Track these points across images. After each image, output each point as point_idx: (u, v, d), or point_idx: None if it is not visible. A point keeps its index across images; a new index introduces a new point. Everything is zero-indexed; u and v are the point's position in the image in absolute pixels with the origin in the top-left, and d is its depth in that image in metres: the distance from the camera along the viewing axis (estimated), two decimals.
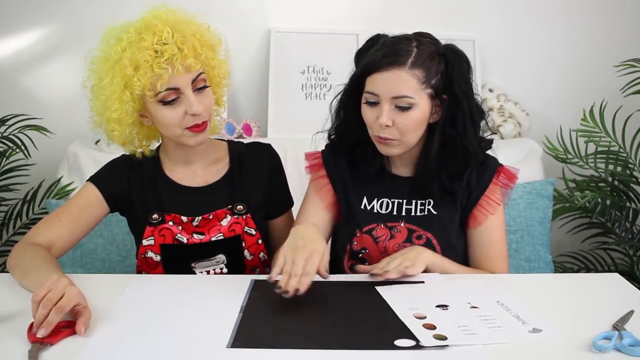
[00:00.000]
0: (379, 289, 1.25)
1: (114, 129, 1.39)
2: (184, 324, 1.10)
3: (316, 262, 1.19)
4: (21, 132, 2.16)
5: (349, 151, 1.50)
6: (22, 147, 2.15)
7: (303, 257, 1.18)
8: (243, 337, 1.05)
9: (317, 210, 1.51)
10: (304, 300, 1.17)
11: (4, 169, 2.20)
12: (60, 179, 2.20)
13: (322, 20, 2.43)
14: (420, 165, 1.44)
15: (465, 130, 1.38)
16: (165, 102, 1.35)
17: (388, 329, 1.09)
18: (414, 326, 1.07)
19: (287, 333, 1.08)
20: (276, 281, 1.17)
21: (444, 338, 1.03)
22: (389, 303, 1.17)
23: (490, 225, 1.45)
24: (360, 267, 1.43)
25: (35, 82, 2.41)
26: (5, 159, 2.18)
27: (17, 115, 2.16)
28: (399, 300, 1.19)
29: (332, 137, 1.53)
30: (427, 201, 1.46)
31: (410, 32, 1.44)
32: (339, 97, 1.48)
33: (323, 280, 1.22)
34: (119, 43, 1.34)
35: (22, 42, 2.39)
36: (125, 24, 1.36)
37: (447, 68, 1.37)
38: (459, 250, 1.46)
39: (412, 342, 1.02)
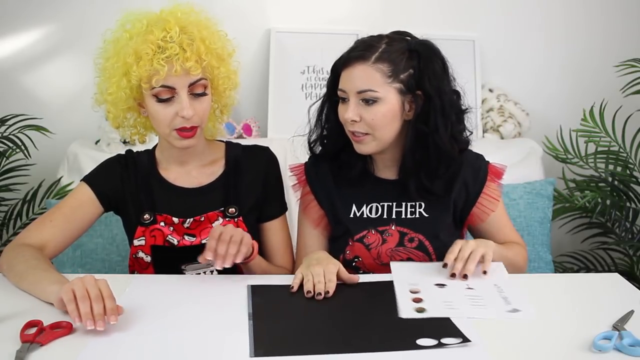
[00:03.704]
0: (392, 264, 1.27)
1: (110, 111, 1.43)
2: (186, 326, 1.10)
3: (333, 270, 1.26)
4: (21, 132, 2.17)
5: (333, 158, 1.50)
6: (22, 147, 2.15)
7: (320, 268, 1.26)
8: (263, 346, 1.02)
9: (311, 237, 1.53)
10: (309, 304, 1.18)
11: (4, 169, 2.20)
12: (60, 179, 2.20)
13: (322, 20, 2.44)
14: (402, 163, 1.45)
15: (436, 127, 1.37)
16: (159, 99, 1.36)
17: (407, 328, 1.08)
18: (402, 298, 1.11)
19: (305, 338, 1.06)
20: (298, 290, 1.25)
21: (423, 310, 1.08)
22: (393, 277, 1.20)
23: (497, 215, 1.49)
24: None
25: (35, 82, 2.41)
26: (5, 159, 2.18)
27: (17, 115, 2.17)
28: (404, 275, 1.22)
29: (313, 146, 1.52)
30: (417, 203, 1.46)
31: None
32: (318, 102, 1.50)
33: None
34: (129, 30, 1.36)
35: (22, 42, 2.39)
36: (142, 12, 1.38)
37: (419, 63, 1.38)
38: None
39: (434, 342, 1.02)
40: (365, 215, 1.47)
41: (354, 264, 1.45)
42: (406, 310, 1.06)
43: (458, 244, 1.31)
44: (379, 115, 1.36)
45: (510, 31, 2.48)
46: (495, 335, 1.05)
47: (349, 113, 1.36)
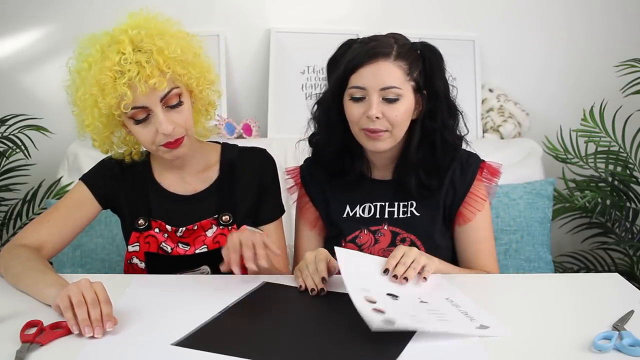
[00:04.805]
0: (337, 250, 1.21)
1: (94, 139, 1.40)
2: (186, 326, 1.10)
3: (322, 259, 1.26)
4: (21, 132, 2.17)
5: (327, 164, 1.49)
6: (22, 147, 2.15)
7: (312, 261, 1.27)
8: (196, 339, 1.02)
9: (308, 239, 1.54)
10: (305, 310, 1.18)
11: (4, 169, 2.20)
12: (60, 179, 2.20)
13: (322, 20, 2.44)
14: (399, 162, 1.45)
15: (444, 124, 1.41)
16: (136, 121, 1.33)
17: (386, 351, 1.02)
18: (364, 309, 1.05)
19: (251, 341, 1.04)
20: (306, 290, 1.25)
21: (392, 322, 1.02)
22: (343, 275, 1.14)
23: (477, 222, 1.45)
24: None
25: (35, 82, 2.41)
26: (5, 159, 2.18)
27: (17, 115, 2.17)
28: (353, 274, 1.16)
29: (313, 143, 1.52)
30: (409, 203, 1.45)
31: (409, 32, 1.45)
32: (316, 105, 1.49)
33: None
34: (86, 58, 1.32)
35: (22, 42, 2.39)
36: (95, 35, 1.33)
37: (424, 64, 1.39)
38: (445, 250, 1.46)
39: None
40: (358, 215, 1.47)
41: None
42: (375, 321, 1.01)
43: (401, 249, 1.26)
44: (400, 112, 1.36)
45: (510, 31, 2.48)
46: (495, 335, 1.05)
47: (372, 110, 1.34)
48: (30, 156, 2.18)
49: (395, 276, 1.22)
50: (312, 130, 1.51)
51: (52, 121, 2.18)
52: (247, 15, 2.41)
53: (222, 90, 1.50)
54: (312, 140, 1.52)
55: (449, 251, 1.48)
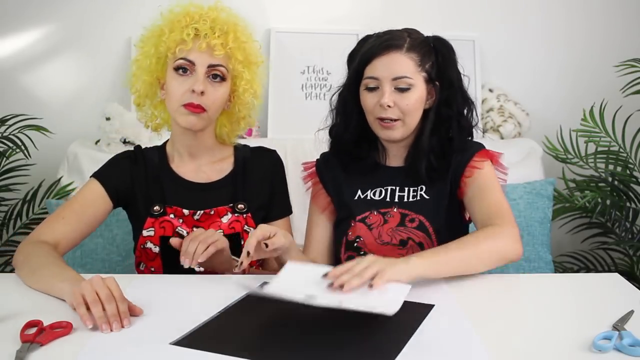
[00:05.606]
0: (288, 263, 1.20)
1: (133, 83, 1.50)
2: (186, 326, 1.10)
3: (255, 234, 1.30)
4: (21, 132, 2.17)
5: (344, 151, 1.55)
6: (22, 147, 2.15)
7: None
8: (195, 339, 1.02)
9: (318, 223, 1.58)
10: (304, 311, 1.15)
11: (4, 169, 2.20)
12: (60, 179, 2.20)
13: (322, 20, 2.44)
14: (411, 149, 1.50)
15: (459, 111, 1.48)
16: (178, 72, 1.42)
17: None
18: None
19: (249, 342, 1.03)
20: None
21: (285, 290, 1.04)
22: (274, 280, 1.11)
23: (479, 180, 1.43)
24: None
25: (35, 82, 2.41)
26: (5, 159, 2.18)
27: (17, 115, 2.17)
28: (285, 280, 1.13)
29: (332, 133, 1.57)
30: (419, 187, 1.50)
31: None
32: (336, 94, 1.55)
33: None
34: (174, 10, 1.46)
35: (22, 42, 2.40)
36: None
37: (437, 56, 1.46)
38: (454, 229, 1.47)
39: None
40: (369, 198, 1.52)
41: (355, 244, 1.49)
42: (271, 288, 1.02)
43: (356, 260, 1.15)
44: (412, 101, 1.43)
45: (510, 31, 2.49)
46: (495, 335, 1.05)
47: (385, 98, 1.41)
48: (30, 156, 2.18)
49: (332, 284, 1.10)
50: (330, 121, 1.57)
51: (52, 121, 2.19)
52: (247, 15, 2.39)
53: (256, 122, 1.61)
54: (331, 131, 1.57)
55: (458, 232, 1.46)
